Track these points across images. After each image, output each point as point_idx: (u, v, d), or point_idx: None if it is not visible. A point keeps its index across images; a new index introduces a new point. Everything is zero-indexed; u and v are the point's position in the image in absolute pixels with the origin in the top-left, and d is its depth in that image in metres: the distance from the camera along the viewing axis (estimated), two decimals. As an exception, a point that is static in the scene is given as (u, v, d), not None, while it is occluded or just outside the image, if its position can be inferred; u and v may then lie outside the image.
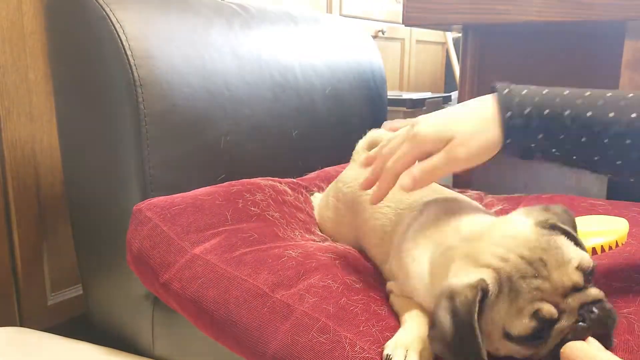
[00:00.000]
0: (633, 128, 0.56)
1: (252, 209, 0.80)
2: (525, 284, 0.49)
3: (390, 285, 0.67)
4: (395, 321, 0.62)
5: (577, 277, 0.50)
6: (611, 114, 0.57)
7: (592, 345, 0.49)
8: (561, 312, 0.49)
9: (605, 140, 0.57)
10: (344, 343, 0.57)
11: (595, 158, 0.58)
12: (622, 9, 0.94)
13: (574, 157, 0.60)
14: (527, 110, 0.59)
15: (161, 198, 0.78)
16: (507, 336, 0.50)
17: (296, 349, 0.58)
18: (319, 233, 0.88)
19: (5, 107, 0.99)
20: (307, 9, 1.79)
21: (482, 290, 0.49)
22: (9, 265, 1.03)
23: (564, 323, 0.49)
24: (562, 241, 0.52)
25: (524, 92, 0.61)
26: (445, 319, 0.50)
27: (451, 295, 0.50)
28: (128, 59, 0.76)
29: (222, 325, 0.64)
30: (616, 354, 0.49)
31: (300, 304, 0.62)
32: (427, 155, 0.61)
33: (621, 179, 0.63)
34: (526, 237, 0.52)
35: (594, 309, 0.49)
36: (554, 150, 0.60)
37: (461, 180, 1.23)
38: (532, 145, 0.60)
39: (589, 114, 0.58)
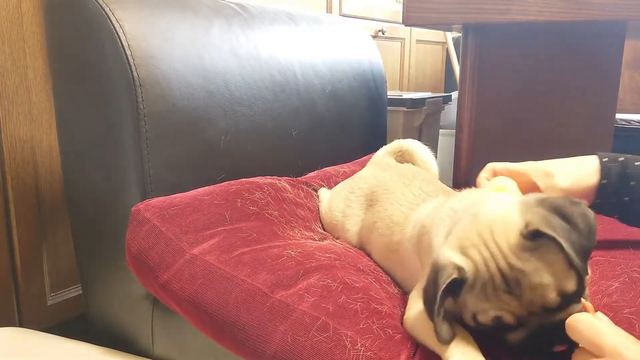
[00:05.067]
0: None
1: (251, 208, 0.80)
2: (495, 294, 0.51)
3: (414, 302, 0.64)
4: (395, 320, 0.62)
5: (552, 299, 0.50)
6: None
7: (599, 318, 0.48)
8: (521, 324, 0.51)
9: None
10: (345, 341, 0.56)
11: None
12: (622, 9, 0.94)
13: None
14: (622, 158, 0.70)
15: (159, 198, 0.78)
16: (475, 320, 0.53)
17: (296, 348, 0.57)
18: (319, 230, 0.89)
19: (5, 107, 0.99)
20: (307, 8, 1.79)
21: (457, 278, 0.52)
22: (9, 265, 1.03)
23: (516, 336, 0.52)
24: (545, 260, 0.50)
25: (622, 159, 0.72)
26: (428, 284, 0.54)
27: (435, 264, 0.54)
28: (127, 59, 0.76)
29: (221, 325, 0.64)
30: None
31: (300, 304, 0.61)
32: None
33: None
34: (511, 248, 0.51)
35: (555, 331, 0.50)
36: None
37: (461, 180, 1.22)
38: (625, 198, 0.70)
39: None
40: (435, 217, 0.65)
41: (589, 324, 0.46)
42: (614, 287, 0.65)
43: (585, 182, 0.71)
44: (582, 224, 0.52)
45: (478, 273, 0.52)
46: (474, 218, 0.56)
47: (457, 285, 0.53)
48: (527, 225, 0.51)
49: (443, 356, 0.54)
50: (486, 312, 0.52)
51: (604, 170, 0.71)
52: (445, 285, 0.51)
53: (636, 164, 0.70)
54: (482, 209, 0.57)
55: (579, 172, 0.72)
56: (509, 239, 0.51)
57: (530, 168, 0.75)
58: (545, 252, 0.50)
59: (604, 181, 0.70)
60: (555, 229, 0.50)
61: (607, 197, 0.71)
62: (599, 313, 0.49)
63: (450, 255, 0.54)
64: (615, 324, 0.57)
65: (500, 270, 0.51)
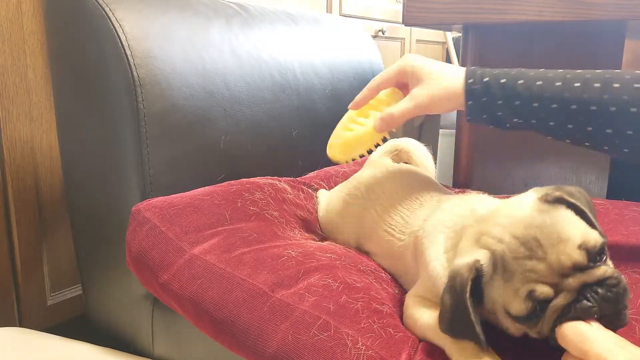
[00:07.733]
0: (579, 98, 0.63)
1: (251, 208, 0.80)
2: (518, 265, 0.49)
3: (411, 300, 0.63)
4: (396, 320, 0.62)
5: (579, 256, 0.48)
6: (558, 83, 0.64)
7: (589, 324, 0.47)
8: (559, 292, 0.48)
9: (554, 106, 0.64)
10: (346, 340, 0.56)
11: (552, 124, 0.66)
12: (622, 9, 0.94)
13: (539, 125, 0.67)
14: (486, 79, 0.69)
15: (160, 198, 0.78)
16: (509, 315, 0.50)
17: (297, 347, 0.57)
18: (319, 232, 0.89)
19: (5, 107, 0.99)
20: (307, 8, 1.79)
21: (476, 270, 0.50)
22: (9, 265, 1.03)
23: (560, 301, 0.48)
24: (565, 217, 0.50)
25: (490, 69, 0.71)
26: (447, 298, 0.52)
27: (452, 276, 0.52)
28: (128, 59, 0.76)
29: (221, 325, 0.64)
30: None
31: (301, 303, 0.61)
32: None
33: (615, 155, 0.67)
34: (524, 214, 0.51)
35: (599, 290, 0.47)
36: (516, 119, 0.68)
37: (461, 180, 1.23)
38: (498, 113, 0.68)
39: (538, 82, 0.65)
40: (427, 226, 0.65)
41: (576, 330, 0.45)
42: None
43: (446, 103, 0.72)
44: (583, 198, 0.53)
45: (495, 253, 0.50)
46: (490, 213, 0.55)
47: (477, 287, 0.51)
48: (545, 195, 0.52)
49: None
50: (517, 294, 0.48)
51: (468, 92, 0.70)
52: (469, 286, 0.49)
53: (501, 81, 0.68)
54: (489, 204, 0.58)
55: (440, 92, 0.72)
56: (522, 210, 0.52)
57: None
58: (563, 215, 0.51)
59: (470, 102, 0.69)
60: (572, 195, 0.52)
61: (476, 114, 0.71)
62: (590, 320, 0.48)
63: (461, 260, 0.52)
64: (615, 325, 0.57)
65: (515, 236, 0.49)
